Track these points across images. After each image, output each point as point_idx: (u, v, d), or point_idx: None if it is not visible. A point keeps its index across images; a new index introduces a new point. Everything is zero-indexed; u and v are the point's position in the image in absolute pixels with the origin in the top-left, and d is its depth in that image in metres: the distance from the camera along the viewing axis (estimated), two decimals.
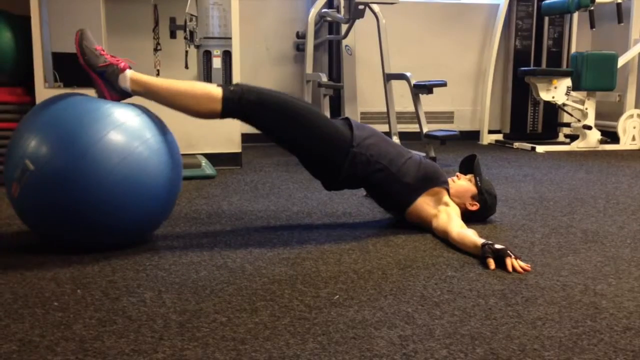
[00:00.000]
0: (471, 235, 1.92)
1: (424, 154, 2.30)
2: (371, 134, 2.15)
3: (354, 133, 2.09)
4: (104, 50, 1.91)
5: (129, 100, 1.93)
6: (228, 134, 3.65)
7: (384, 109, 4.48)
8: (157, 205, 1.91)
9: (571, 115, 5.01)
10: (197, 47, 3.97)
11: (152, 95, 1.93)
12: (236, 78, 3.67)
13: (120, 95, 1.92)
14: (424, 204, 2.17)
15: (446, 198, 2.19)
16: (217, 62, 4.46)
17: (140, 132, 1.83)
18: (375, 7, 4.39)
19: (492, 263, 1.76)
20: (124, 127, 1.80)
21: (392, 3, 4.25)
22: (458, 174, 2.35)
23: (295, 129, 2.03)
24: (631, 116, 4.99)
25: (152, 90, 1.92)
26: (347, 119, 2.19)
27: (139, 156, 1.80)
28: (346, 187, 2.23)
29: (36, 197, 1.77)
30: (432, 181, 2.18)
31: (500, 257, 1.77)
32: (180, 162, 1.98)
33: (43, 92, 3.26)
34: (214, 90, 1.94)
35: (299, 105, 2.07)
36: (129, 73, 1.90)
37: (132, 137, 1.80)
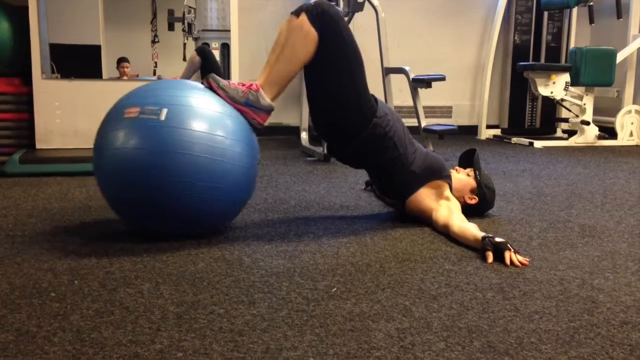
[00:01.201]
0: (472, 229, 1.92)
1: (430, 149, 2.30)
2: (391, 112, 2.17)
3: (379, 107, 2.11)
4: (232, 82, 1.97)
5: None
6: None
7: None
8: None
9: (569, 110, 5.02)
10: (195, 39, 3.96)
11: (281, 85, 1.99)
12: (234, 71, 3.66)
13: (267, 113, 1.98)
14: (425, 195, 2.17)
15: (447, 192, 2.19)
16: (215, 55, 4.45)
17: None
18: (375, 0, 4.38)
19: (490, 256, 1.76)
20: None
21: None
22: (457, 167, 2.35)
23: (351, 70, 2.04)
24: (629, 112, 4.99)
25: (276, 77, 1.98)
26: (373, 95, 2.18)
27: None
28: (350, 160, 2.22)
29: (139, 143, 1.78)
30: (436, 174, 2.19)
31: (500, 251, 1.77)
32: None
33: (40, 82, 3.25)
34: (300, 24, 1.95)
35: (359, 51, 2.09)
36: (261, 90, 1.96)
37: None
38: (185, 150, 1.77)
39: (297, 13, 1.98)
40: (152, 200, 1.81)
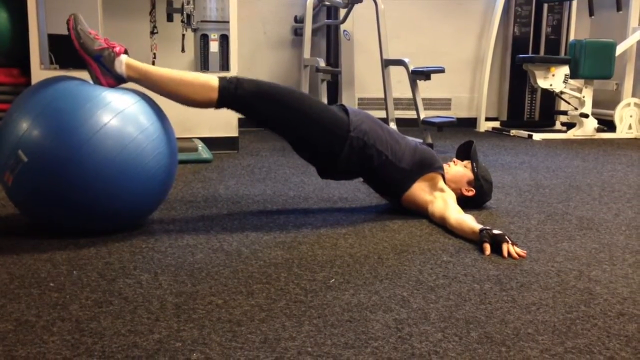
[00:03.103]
0: (469, 221, 1.92)
1: (420, 140, 2.29)
2: (365, 118, 2.14)
3: (351, 118, 2.09)
4: (98, 35, 1.88)
5: (124, 85, 1.91)
6: (225, 118, 3.63)
7: (382, 95, 4.47)
8: (152, 193, 1.90)
9: (568, 103, 5.01)
10: (194, 30, 3.95)
11: (148, 82, 1.90)
12: (233, 62, 3.65)
13: (115, 80, 1.88)
14: (419, 189, 2.17)
15: (441, 184, 2.19)
16: (214, 46, 4.44)
17: (139, 120, 1.80)
18: None
19: (487, 248, 1.77)
20: (122, 115, 1.76)
21: None
22: (455, 159, 2.35)
23: (293, 117, 2.01)
24: (628, 105, 4.99)
25: (148, 77, 1.89)
26: (342, 106, 2.18)
27: (137, 145, 1.77)
28: (342, 175, 2.23)
29: (30, 187, 1.74)
30: (427, 167, 2.19)
31: (497, 243, 1.77)
32: (176, 149, 1.97)
33: (39, 73, 3.24)
34: (211, 79, 1.93)
35: (295, 94, 2.07)
36: (124, 58, 1.87)
37: (131, 126, 1.77)
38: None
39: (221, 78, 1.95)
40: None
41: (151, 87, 1.91)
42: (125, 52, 1.89)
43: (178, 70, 1.94)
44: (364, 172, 2.20)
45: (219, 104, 1.94)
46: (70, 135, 1.70)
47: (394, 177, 2.16)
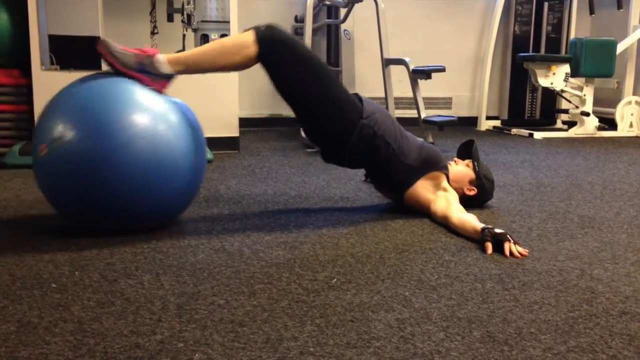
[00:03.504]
0: (471, 220, 1.92)
1: (421, 140, 2.29)
2: (378, 110, 2.15)
3: (364, 106, 2.09)
4: (127, 48, 1.90)
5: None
6: (226, 118, 3.63)
7: (382, 94, 4.46)
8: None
9: (569, 101, 5.01)
10: (195, 30, 3.94)
11: (193, 67, 1.93)
12: None
13: (166, 80, 1.91)
14: (422, 187, 2.17)
15: (445, 183, 2.19)
16: None
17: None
18: None
19: (489, 247, 1.77)
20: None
21: None
22: (456, 158, 2.35)
23: (316, 83, 2.01)
24: (629, 103, 4.98)
25: (191, 63, 1.92)
26: (357, 94, 2.17)
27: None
28: (345, 162, 2.22)
29: (62, 168, 1.76)
30: (432, 165, 2.19)
31: (499, 242, 1.77)
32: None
33: (40, 74, 3.24)
34: (245, 35, 1.93)
35: (323, 63, 2.08)
36: (161, 57, 1.89)
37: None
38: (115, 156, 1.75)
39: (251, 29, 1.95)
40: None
41: (198, 71, 1.95)
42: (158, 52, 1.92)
43: (210, 43, 1.97)
44: (370, 163, 2.19)
45: (259, 57, 1.93)
46: (106, 130, 1.75)
47: (398, 172, 2.16)
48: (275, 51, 1.94)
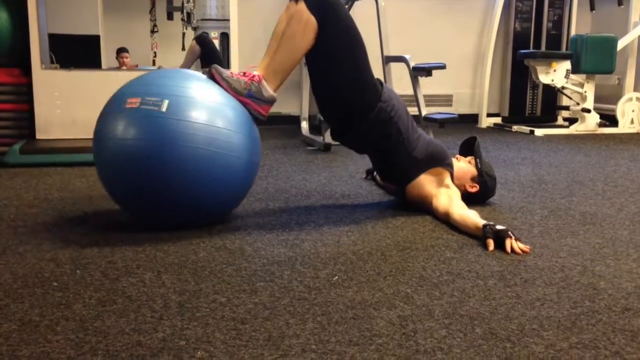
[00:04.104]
0: (473, 217, 1.92)
1: (430, 137, 2.29)
2: (396, 97, 2.16)
3: (384, 91, 2.10)
4: (233, 72, 1.95)
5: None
6: None
7: None
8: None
9: (570, 98, 5.00)
10: (195, 28, 3.94)
11: (285, 74, 1.99)
12: (234, 60, 3.65)
13: (270, 104, 1.97)
14: (425, 182, 2.17)
15: (448, 180, 2.19)
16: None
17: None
18: None
19: (491, 244, 1.77)
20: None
21: None
22: (458, 155, 2.35)
23: (354, 52, 2.03)
24: (630, 99, 4.98)
25: (280, 70, 1.97)
26: (378, 79, 2.17)
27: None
28: (355, 144, 2.22)
29: (140, 134, 1.78)
30: (437, 161, 2.18)
31: (500, 238, 1.77)
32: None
33: (40, 73, 3.24)
34: (299, 11, 1.94)
35: (360, 35, 2.09)
36: (264, 81, 1.95)
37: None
38: (185, 143, 1.77)
39: (295, 0, 1.97)
40: (151, 192, 1.81)
41: (286, 75, 2.00)
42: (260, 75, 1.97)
43: (277, 33, 2.00)
44: (378, 149, 2.19)
45: (320, 23, 1.95)
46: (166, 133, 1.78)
47: (403, 163, 2.16)
48: (327, 14, 1.96)
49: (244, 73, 1.96)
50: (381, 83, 2.14)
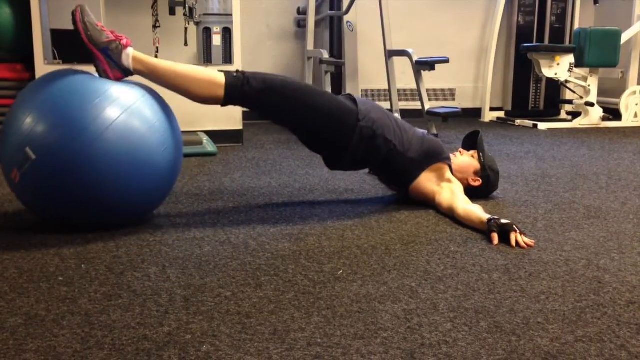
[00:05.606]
0: (477, 211, 1.92)
1: (425, 131, 2.28)
2: (373, 108, 2.13)
3: (359, 107, 2.08)
4: (104, 27, 1.86)
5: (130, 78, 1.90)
6: (229, 111, 3.62)
7: (386, 86, 4.45)
8: (159, 188, 1.90)
9: (573, 92, 4.99)
10: (197, 24, 3.93)
11: (154, 76, 1.88)
12: (236, 55, 3.64)
13: (123, 73, 1.86)
14: (426, 180, 2.17)
15: (448, 174, 2.19)
16: (217, 39, 4.42)
17: (145, 115, 1.79)
18: None
19: (495, 238, 1.76)
20: (130, 111, 1.75)
21: None
22: (461, 149, 2.34)
23: (302, 112, 1.99)
24: (634, 93, 4.96)
25: (155, 71, 1.87)
26: (350, 95, 2.17)
27: (145, 140, 1.77)
28: (350, 166, 2.22)
29: (38, 184, 1.73)
30: (435, 157, 2.18)
31: (505, 232, 1.77)
32: (181, 143, 1.96)
33: (43, 68, 3.24)
34: (218, 75, 1.91)
35: (302, 87, 2.05)
36: (131, 51, 1.85)
37: (138, 121, 1.77)
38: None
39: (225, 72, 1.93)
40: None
41: (157, 81, 1.90)
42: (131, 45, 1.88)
43: (185, 64, 1.92)
44: (372, 163, 2.20)
45: (226, 101, 1.93)
46: (80, 132, 1.69)
47: (401, 167, 2.16)
48: (247, 98, 1.93)
49: (113, 32, 1.84)
50: (354, 99, 2.11)
